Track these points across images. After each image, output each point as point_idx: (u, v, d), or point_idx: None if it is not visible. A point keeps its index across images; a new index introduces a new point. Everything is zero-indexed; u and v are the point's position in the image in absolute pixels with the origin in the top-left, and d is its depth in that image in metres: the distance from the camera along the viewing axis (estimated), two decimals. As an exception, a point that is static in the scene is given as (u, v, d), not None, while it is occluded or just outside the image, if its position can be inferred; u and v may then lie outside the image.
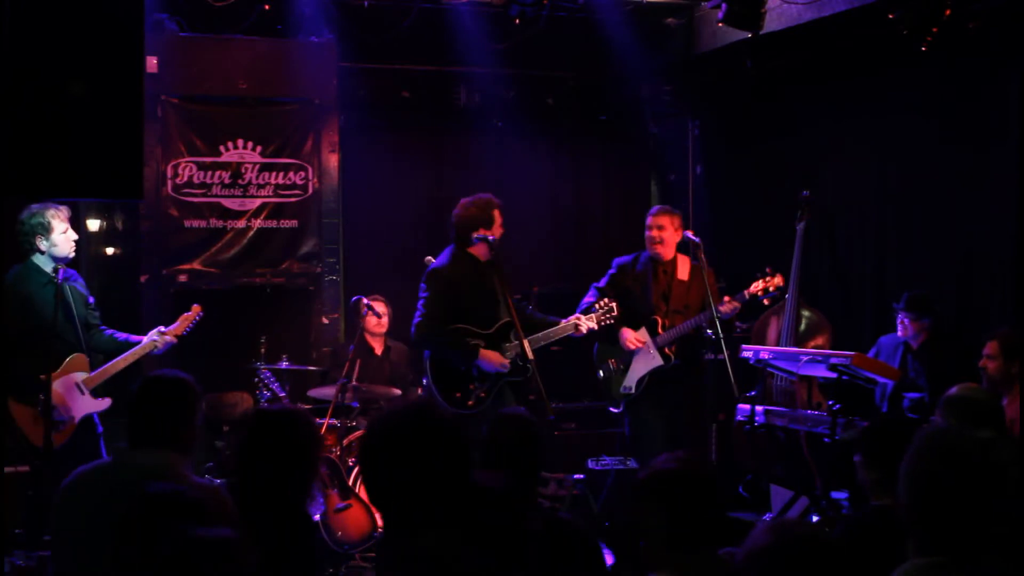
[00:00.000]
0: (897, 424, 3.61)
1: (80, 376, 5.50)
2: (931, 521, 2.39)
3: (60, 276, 5.38)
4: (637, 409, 6.33)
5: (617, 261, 6.53)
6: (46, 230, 5.49)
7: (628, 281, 6.40)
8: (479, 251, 5.88)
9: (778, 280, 6.19)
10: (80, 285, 5.71)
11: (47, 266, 5.53)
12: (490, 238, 5.83)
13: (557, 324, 5.98)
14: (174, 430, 3.44)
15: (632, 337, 6.27)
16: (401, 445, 2.46)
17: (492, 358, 5.78)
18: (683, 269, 6.32)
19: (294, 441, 3.30)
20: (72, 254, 5.61)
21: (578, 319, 5.98)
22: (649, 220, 6.39)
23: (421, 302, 5.84)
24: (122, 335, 5.74)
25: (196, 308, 5.85)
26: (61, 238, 5.53)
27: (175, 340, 5.72)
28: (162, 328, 5.72)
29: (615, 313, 6.06)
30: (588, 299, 6.35)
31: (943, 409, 4.20)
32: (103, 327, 5.79)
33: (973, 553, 2.35)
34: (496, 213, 5.89)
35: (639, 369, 6.31)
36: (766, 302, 6.46)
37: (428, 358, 5.91)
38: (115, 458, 3.45)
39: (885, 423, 3.76)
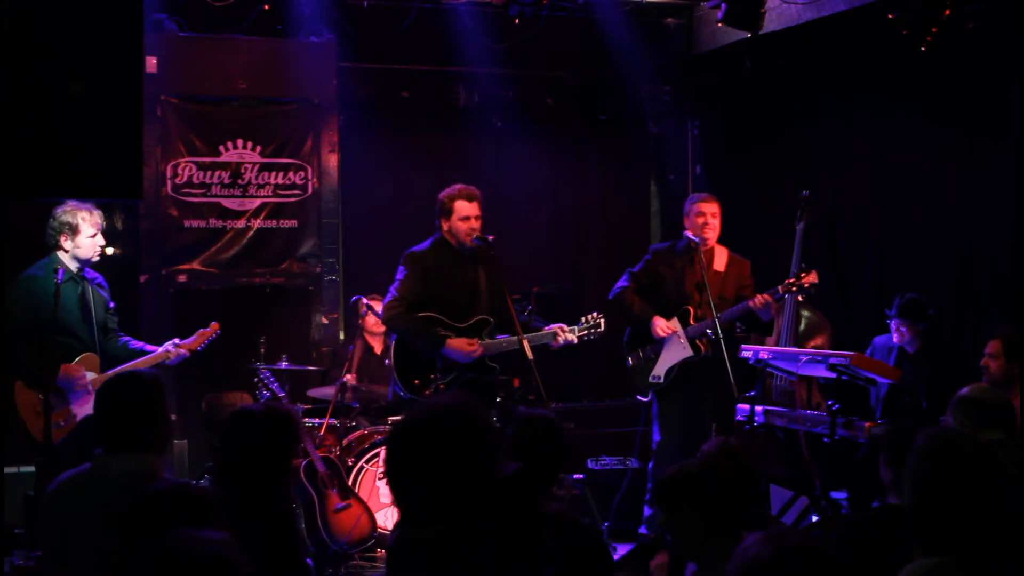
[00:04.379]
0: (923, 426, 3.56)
1: (89, 375, 5.50)
2: (936, 522, 2.40)
3: (60, 276, 5.37)
4: (663, 400, 6.28)
5: (653, 247, 6.51)
6: (73, 230, 5.51)
7: (662, 268, 6.33)
8: (453, 241, 5.80)
9: (812, 277, 6.08)
10: (102, 288, 5.73)
11: (71, 264, 5.56)
12: (459, 231, 5.71)
13: (538, 330, 5.79)
14: (143, 431, 3.39)
15: (663, 325, 6.19)
16: (432, 442, 2.49)
17: (459, 345, 5.66)
18: (720, 260, 6.25)
19: (268, 440, 3.30)
20: (96, 258, 5.62)
21: (561, 328, 5.79)
22: (701, 206, 6.25)
23: (394, 284, 5.80)
24: (137, 344, 5.73)
25: (215, 326, 5.84)
26: (87, 241, 5.54)
27: (188, 354, 5.70)
28: (177, 340, 5.70)
29: (601, 329, 5.89)
30: (621, 283, 6.34)
31: (953, 409, 4.19)
32: (121, 334, 5.80)
33: (979, 553, 2.35)
34: (458, 204, 5.73)
35: (669, 359, 6.23)
36: (800, 298, 6.45)
37: (394, 339, 5.88)
38: (94, 464, 3.41)
39: (913, 424, 3.71)
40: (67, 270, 5.51)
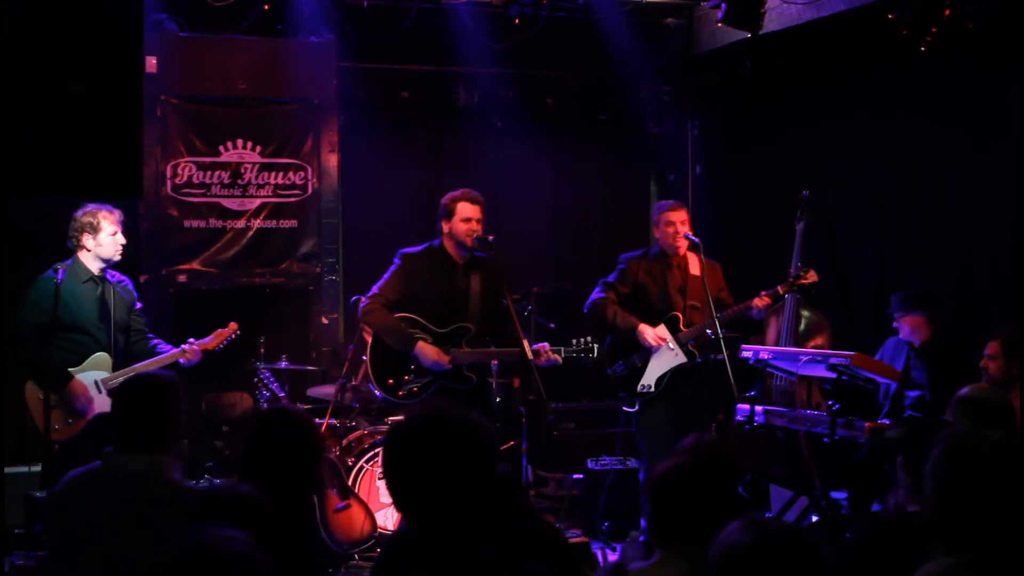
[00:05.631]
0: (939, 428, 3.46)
1: (100, 375, 5.51)
2: (957, 522, 2.39)
3: (60, 276, 5.38)
4: (653, 408, 6.20)
5: (625, 256, 6.39)
6: (94, 229, 5.56)
7: (642, 276, 6.27)
8: (450, 245, 5.79)
9: (812, 276, 6.13)
10: (126, 291, 5.75)
11: (92, 265, 5.59)
12: (460, 232, 5.69)
13: (520, 347, 5.52)
14: (157, 432, 3.42)
15: (653, 335, 6.12)
16: (423, 450, 2.48)
17: (428, 352, 5.63)
18: (694, 264, 6.21)
19: (302, 440, 3.31)
20: (118, 257, 5.67)
21: (544, 348, 5.65)
22: (669, 215, 6.23)
23: (380, 280, 5.80)
24: (166, 347, 5.72)
25: (232, 325, 5.86)
26: (108, 239, 5.59)
27: (201, 354, 5.69)
28: (193, 340, 5.71)
29: (594, 355, 5.81)
30: (596, 294, 6.26)
31: (954, 409, 4.18)
32: (150, 335, 5.81)
33: (999, 553, 2.35)
34: (460, 205, 5.72)
35: (660, 367, 6.17)
36: (799, 297, 6.50)
37: (372, 336, 5.84)
38: (104, 463, 3.43)
39: (929, 426, 3.63)
40: (71, 271, 5.52)
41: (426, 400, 5.56)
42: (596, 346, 5.83)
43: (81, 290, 5.53)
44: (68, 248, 5.62)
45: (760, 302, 6.06)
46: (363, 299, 6.71)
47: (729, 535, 2.27)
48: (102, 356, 5.55)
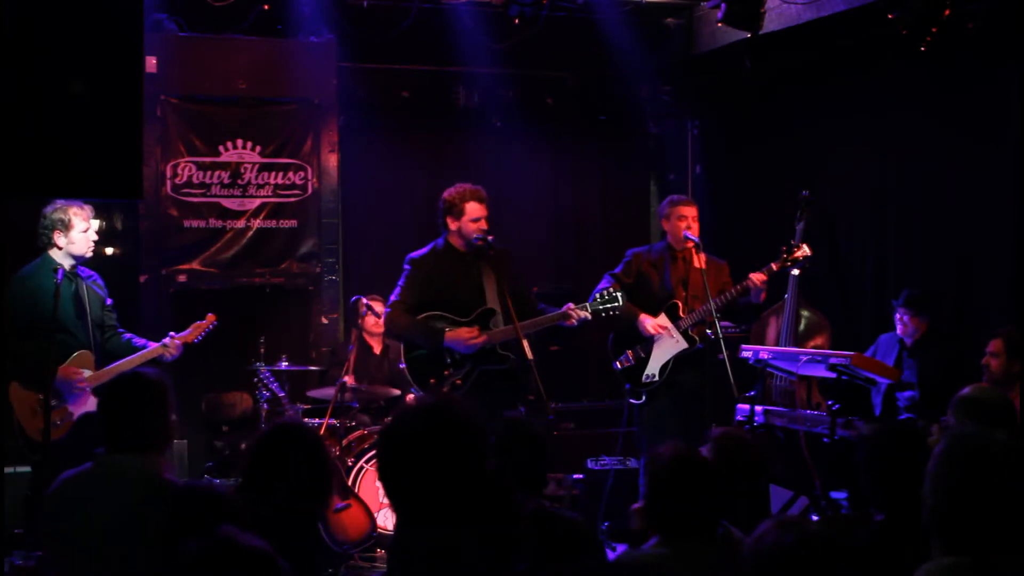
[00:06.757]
0: (892, 435, 3.35)
1: (84, 373, 5.48)
2: (958, 522, 2.38)
3: (59, 276, 5.36)
4: (657, 398, 6.23)
5: (631, 250, 6.46)
6: (65, 226, 5.49)
7: (645, 267, 6.34)
8: (456, 241, 5.78)
9: (805, 250, 6.17)
10: (97, 286, 5.69)
11: (64, 262, 5.52)
12: (470, 232, 5.68)
13: (545, 313, 5.76)
14: (147, 431, 3.41)
15: (653, 323, 6.16)
16: (418, 442, 2.49)
17: (459, 335, 5.60)
18: (699, 258, 6.22)
19: (310, 456, 3.32)
20: (90, 253, 5.61)
21: (570, 308, 5.72)
22: (681, 210, 6.28)
23: (396, 290, 5.79)
24: (140, 340, 5.68)
25: (211, 317, 5.81)
26: (80, 236, 5.52)
27: (182, 348, 5.65)
28: (173, 334, 5.67)
29: (620, 303, 5.76)
30: (602, 285, 6.26)
31: (955, 409, 4.18)
32: (121, 330, 5.76)
33: (999, 553, 2.34)
34: (469, 205, 5.70)
35: (662, 355, 6.20)
36: (796, 272, 6.48)
37: (403, 344, 5.84)
38: (97, 464, 3.43)
39: (881, 433, 3.58)
40: (41, 269, 5.47)
41: (426, 393, 5.55)
42: (620, 294, 5.78)
43: (54, 288, 5.39)
44: (38, 247, 5.53)
45: (756, 276, 6.06)
46: (363, 303, 6.72)
47: (764, 535, 2.27)
48: (85, 354, 5.51)
